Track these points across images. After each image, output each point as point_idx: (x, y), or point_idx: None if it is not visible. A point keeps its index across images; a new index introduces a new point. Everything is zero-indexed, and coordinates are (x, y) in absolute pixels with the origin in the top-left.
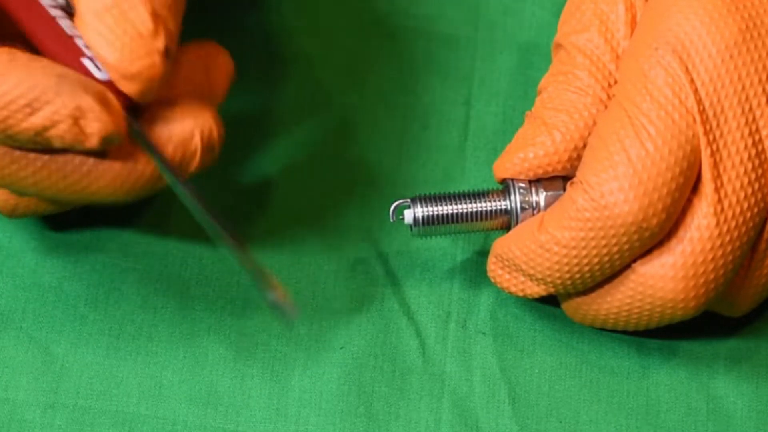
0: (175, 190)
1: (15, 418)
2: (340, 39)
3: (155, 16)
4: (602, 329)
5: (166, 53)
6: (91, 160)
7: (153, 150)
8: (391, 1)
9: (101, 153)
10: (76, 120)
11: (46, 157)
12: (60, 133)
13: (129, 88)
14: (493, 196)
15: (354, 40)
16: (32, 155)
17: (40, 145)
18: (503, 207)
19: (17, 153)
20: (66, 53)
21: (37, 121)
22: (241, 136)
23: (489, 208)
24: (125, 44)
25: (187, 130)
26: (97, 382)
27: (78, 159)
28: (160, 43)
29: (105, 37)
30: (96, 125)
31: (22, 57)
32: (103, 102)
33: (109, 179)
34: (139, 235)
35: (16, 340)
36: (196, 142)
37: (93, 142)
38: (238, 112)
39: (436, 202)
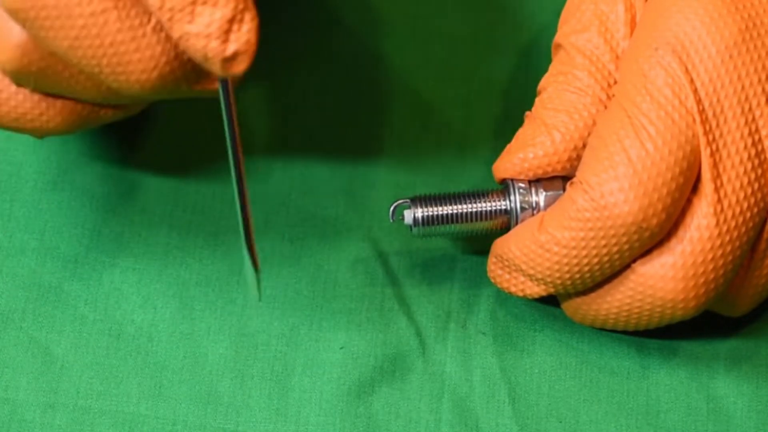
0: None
1: (15, 418)
2: (340, 39)
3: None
4: (602, 329)
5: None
6: None
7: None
8: (392, 1)
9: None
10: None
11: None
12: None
13: (232, 69)
14: (492, 197)
15: (354, 40)
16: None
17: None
18: (503, 207)
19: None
20: None
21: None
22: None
23: (489, 209)
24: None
25: None
26: (97, 382)
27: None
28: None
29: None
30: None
31: None
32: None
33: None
34: (138, 235)
35: (16, 340)
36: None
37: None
38: (238, 112)
39: (435, 202)
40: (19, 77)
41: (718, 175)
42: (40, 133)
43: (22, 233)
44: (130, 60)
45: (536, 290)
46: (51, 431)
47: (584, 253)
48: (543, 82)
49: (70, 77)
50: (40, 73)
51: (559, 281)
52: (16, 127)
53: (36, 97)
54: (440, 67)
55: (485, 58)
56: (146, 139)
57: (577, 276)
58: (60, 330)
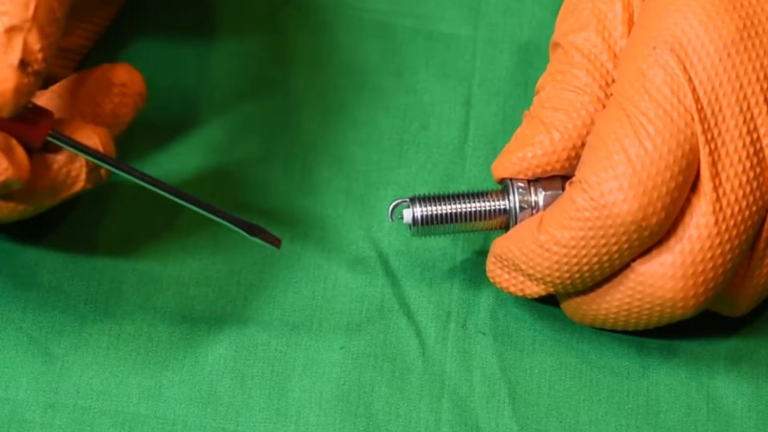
0: (119, 175)
1: (15, 418)
2: (341, 39)
3: (10, 29)
4: (602, 329)
5: (22, 66)
6: None
7: (79, 147)
8: (392, 1)
9: (4, 196)
10: None
11: None
12: None
13: None
14: (492, 196)
15: (354, 40)
16: None
17: None
18: (502, 207)
19: None
20: None
21: None
22: (240, 136)
23: (488, 208)
24: None
25: (71, 152)
26: (97, 382)
27: None
28: (12, 57)
29: None
30: None
31: None
32: (4, 148)
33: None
34: (139, 235)
35: (16, 340)
36: (81, 163)
37: None
38: (237, 112)
39: (434, 201)
40: None
41: (717, 174)
42: None
43: (22, 233)
44: None
45: (536, 290)
46: (51, 431)
47: (584, 252)
48: (541, 81)
49: None
50: None
51: (558, 281)
52: None
53: None
54: (440, 67)
55: (485, 58)
56: (147, 139)
57: (577, 275)
58: (60, 330)
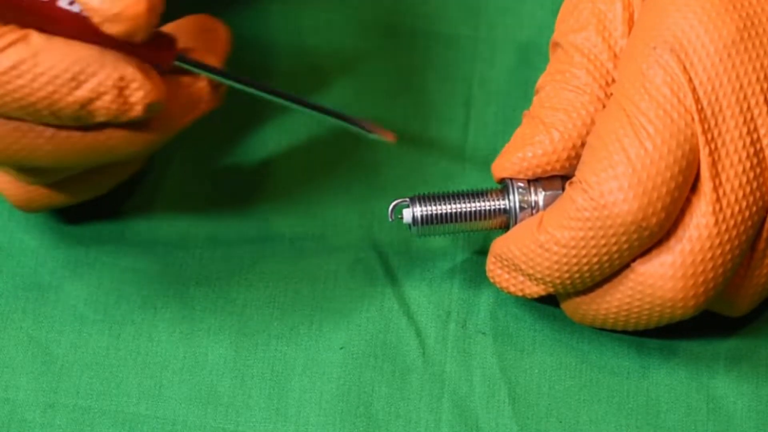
0: (239, 88)
1: (15, 418)
2: (341, 39)
3: None
4: (602, 329)
5: None
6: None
7: (205, 67)
8: (392, 1)
9: (139, 123)
10: (120, 90)
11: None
12: (105, 104)
13: (115, 29)
14: (491, 196)
15: (354, 40)
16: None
17: (82, 120)
18: (502, 206)
19: (27, 125)
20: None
21: (83, 93)
22: (240, 137)
23: (487, 208)
24: None
25: (194, 74)
26: (97, 382)
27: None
28: None
29: None
30: (140, 94)
31: (58, 38)
32: (145, 71)
33: (123, 140)
34: (139, 235)
35: (16, 340)
36: (204, 83)
37: (138, 110)
38: (237, 113)
39: (434, 201)
40: None
41: (717, 174)
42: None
43: (22, 233)
44: None
45: (536, 290)
46: (51, 431)
47: (584, 252)
48: (541, 81)
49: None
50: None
51: (558, 281)
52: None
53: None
54: (440, 67)
55: (485, 58)
56: None
57: (577, 276)
58: (60, 330)
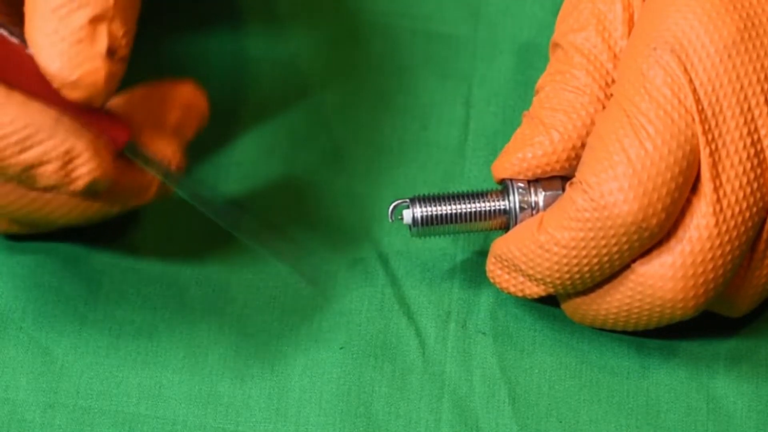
0: (183, 196)
1: (15, 418)
2: (340, 39)
3: (94, 20)
4: (602, 329)
5: (109, 54)
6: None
7: (151, 162)
8: (391, 1)
9: (87, 195)
10: (65, 163)
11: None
12: (48, 173)
13: (74, 95)
14: (491, 197)
15: (354, 40)
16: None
17: (25, 182)
18: (502, 207)
19: None
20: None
21: (27, 158)
22: (240, 137)
23: (487, 209)
24: (63, 52)
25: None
26: (97, 382)
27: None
28: (100, 46)
29: (44, 46)
30: (84, 169)
31: (18, 95)
32: (96, 148)
33: (65, 209)
34: (139, 236)
35: (16, 340)
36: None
37: (79, 185)
38: (237, 113)
39: (434, 202)
40: None
41: (717, 175)
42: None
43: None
44: None
45: (536, 290)
46: (51, 431)
47: (584, 253)
48: (541, 82)
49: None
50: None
51: (558, 281)
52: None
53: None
54: (440, 67)
55: (485, 58)
56: None
57: (577, 276)
58: (60, 330)
